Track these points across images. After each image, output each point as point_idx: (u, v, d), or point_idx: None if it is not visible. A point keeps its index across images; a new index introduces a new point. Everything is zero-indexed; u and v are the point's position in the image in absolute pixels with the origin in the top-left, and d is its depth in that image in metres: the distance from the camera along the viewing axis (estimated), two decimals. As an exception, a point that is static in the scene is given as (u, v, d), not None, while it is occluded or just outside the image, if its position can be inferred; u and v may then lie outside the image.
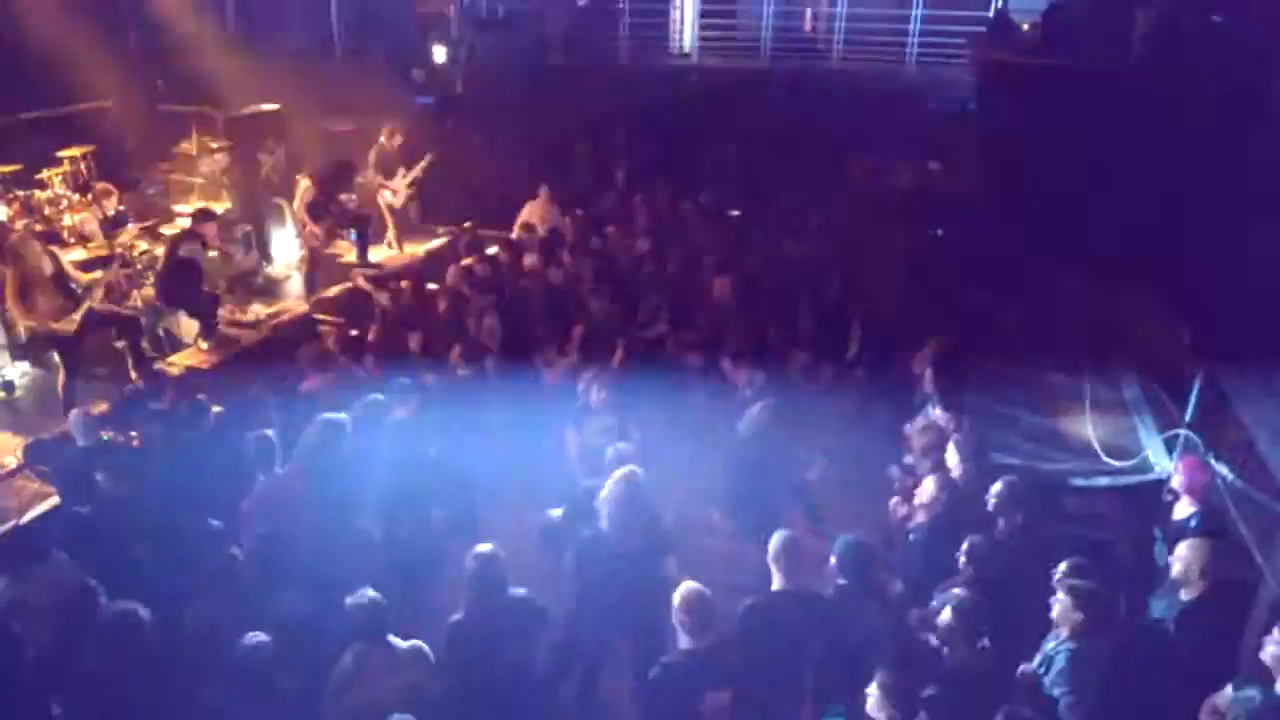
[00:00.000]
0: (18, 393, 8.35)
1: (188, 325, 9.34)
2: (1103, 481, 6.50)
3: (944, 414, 7.15)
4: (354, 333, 9.21)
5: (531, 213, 11.80)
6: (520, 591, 5.07)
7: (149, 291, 9.34)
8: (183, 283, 8.93)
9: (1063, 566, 5.15)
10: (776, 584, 5.05)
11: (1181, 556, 5.06)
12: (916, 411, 7.70)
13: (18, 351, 8.56)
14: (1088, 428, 7.65)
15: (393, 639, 4.76)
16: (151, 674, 4.61)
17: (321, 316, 10.13)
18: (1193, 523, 5.75)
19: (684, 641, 4.70)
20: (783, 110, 13.35)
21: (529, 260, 10.17)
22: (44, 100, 10.39)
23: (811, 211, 11.62)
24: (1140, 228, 9.84)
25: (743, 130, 13.42)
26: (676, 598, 4.68)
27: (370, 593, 4.73)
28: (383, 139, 11.57)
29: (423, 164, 11.82)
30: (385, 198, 11.76)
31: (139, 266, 9.51)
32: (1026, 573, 5.35)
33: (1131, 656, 4.90)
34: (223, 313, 9.63)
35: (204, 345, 9.10)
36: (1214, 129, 9.98)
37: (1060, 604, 4.87)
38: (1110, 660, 4.78)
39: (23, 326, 8.18)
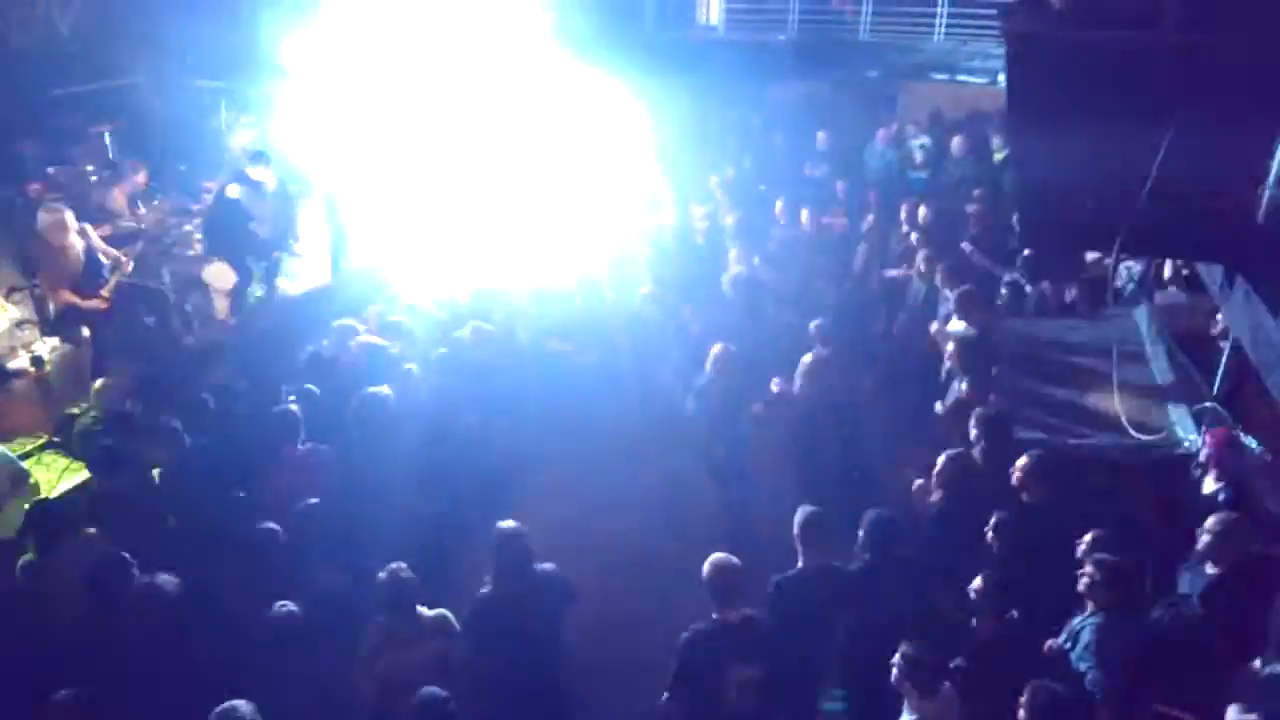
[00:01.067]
0: (47, 367, 8.45)
1: (219, 300, 9.41)
2: (1130, 456, 6.40)
3: (969, 388, 7.10)
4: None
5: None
6: (547, 566, 5.11)
7: (177, 267, 9.42)
8: (226, 228, 9.01)
9: (1088, 541, 5.12)
10: (802, 560, 5.06)
11: (1209, 530, 5.01)
12: (945, 388, 7.67)
13: (48, 327, 8.66)
14: (1115, 402, 7.57)
15: (421, 610, 4.81)
16: (181, 646, 4.67)
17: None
18: (1220, 497, 5.69)
19: (714, 611, 4.72)
20: (810, 83, 13.20)
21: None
22: (73, 77, 10.42)
23: (841, 183, 11.54)
24: (1173, 200, 9.66)
25: (770, 103, 13.30)
26: (708, 566, 4.70)
27: (398, 566, 4.77)
28: None
29: None
30: None
31: (167, 242, 9.59)
32: (1053, 547, 5.32)
33: (1158, 632, 4.87)
34: (253, 289, 9.71)
35: (229, 321, 9.19)
36: (1249, 99, 9.78)
37: (1087, 578, 4.84)
38: (1136, 635, 4.75)
39: (53, 302, 8.28)
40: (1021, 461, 5.77)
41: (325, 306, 9.64)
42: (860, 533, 5.22)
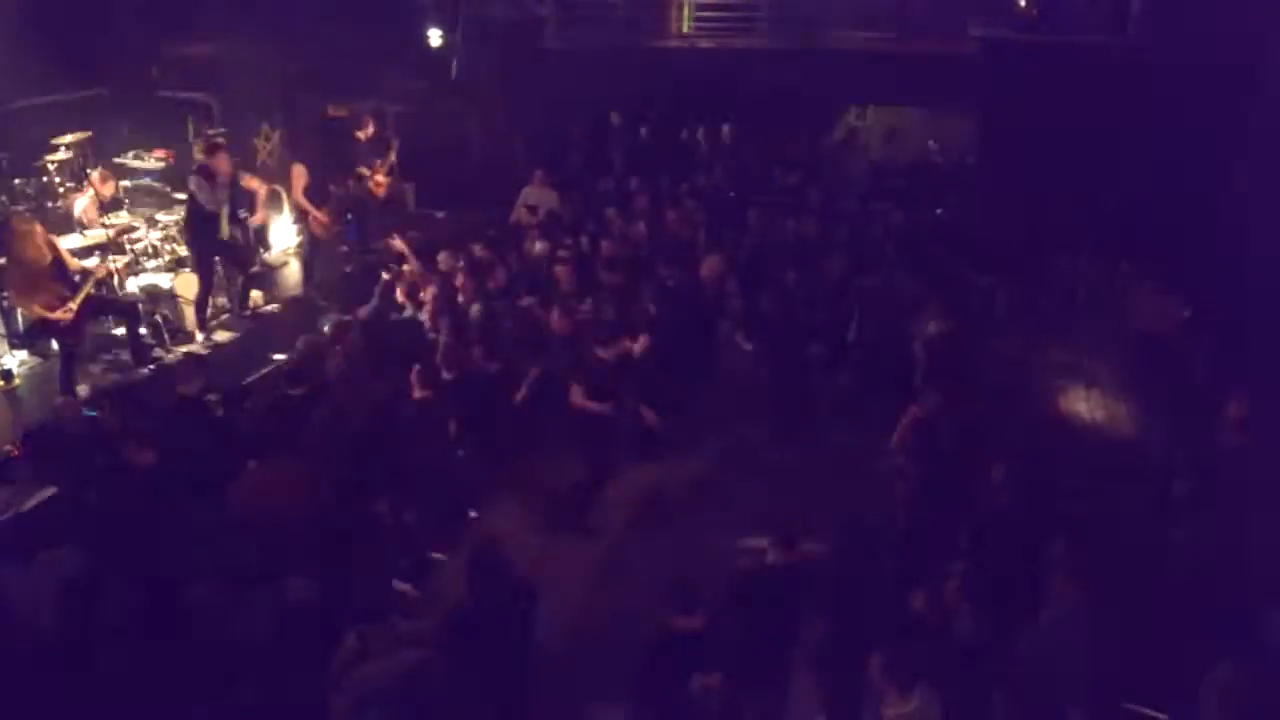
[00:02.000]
0: (16, 381, 8.34)
1: (188, 311, 9.33)
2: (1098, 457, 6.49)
3: (936, 395, 7.14)
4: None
5: (530, 196, 11.77)
6: (520, 573, 5.10)
7: (146, 279, 9.33)
8: (192, 228, 8.93)
9: (1060, 540, 5.17)
10: (772, 556, 5.07)
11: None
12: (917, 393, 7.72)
13: (16, 339, 8.55)
14: (1084, 404, 7.68)
15: (396, 619, 4.79)
16: (152, 658, 4.63)
17: (319, 301, 10.13)
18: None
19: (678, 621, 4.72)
20: (779, 89, 13.28)
21: (536, 246, 10.11)
22: (40, 88, 10.33)
23: (811, 190, 11.61)
24: (1138, 202, 9.85)
25: (740, 110, 13.38)
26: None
27: (375, 575, 4.75)
28: (358, 133, 11.48)
29: (391, 152, 11.72)
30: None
31: (136, 253, 9.49)
32: (1026, 546, 5.37)
33: (1134, 625, 4.92)
34: (221, 300, 9.64)
35: (198, 334, 9.12)
36: (1212, 100, 9.97)
37: (1059, 577, 4.89)
38: (1112, 630, 4.80)
39: (21, 314, 8.17)
40: (995, 466, 5.82)
41: (296, 317, 9.61)
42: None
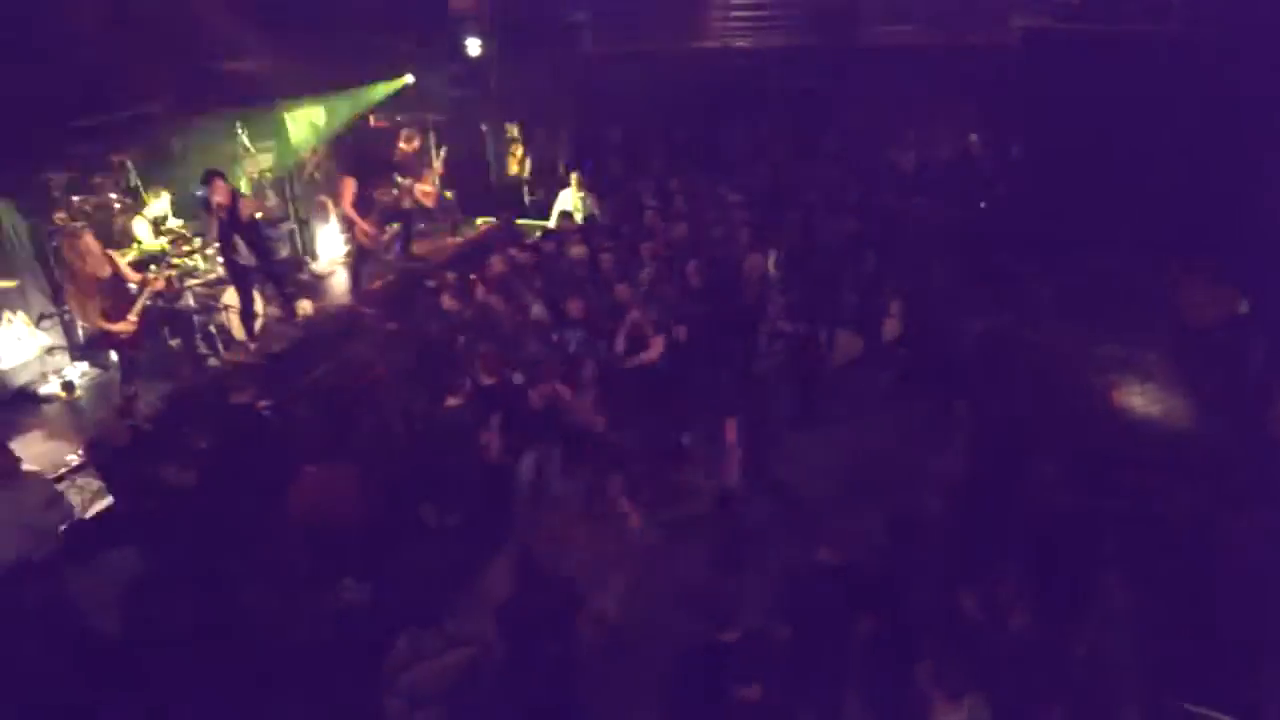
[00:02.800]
0: (78, 392, 8.58)
1: (237, 321, 9.52)
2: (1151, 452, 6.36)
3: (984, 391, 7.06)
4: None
5: (565, 200, 11.84)
6: (564, 574, 5.13)
7: (198, 290, 9.54)
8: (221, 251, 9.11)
9: (1112, 541, 5.08)
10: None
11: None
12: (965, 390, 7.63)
13: (77, 352, 8.79)
14: (1137, 398, 7.53)
15: (446, 620, 4.84)
16: (209, 656, 4.72)
17: (366, 310, 10.26)
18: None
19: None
20: (815, 87, 13.21)
21: (576, 249, 10.17)
22: (93, 106, 10.58)
23: (850, 188, 11.52)
24: (1186, 193, 9.62)
25: (777, 108, 13.32)
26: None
27: (423, 577, 4.81)
28: (401, 144, 11.65)
29: (440, 158, 11.90)
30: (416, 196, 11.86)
31: (189, 266, 9.70)
32: (1080, 544, 5.28)
33: (1192, 623, 4.82)
34: (272, 309, 9.81)
35: (250, 344, 9.29)
36: (1259, 89, 9.72)
37: (1109, 578, 4.81)
38: (1169, 629, 4.71)
39: (82, 327, 8.39)
40: (1045, 462, 5.73)
41: (344, 325, 9.75)
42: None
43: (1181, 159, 10.20)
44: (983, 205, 11.45)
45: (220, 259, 9.36)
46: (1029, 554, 5.30)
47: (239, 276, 9.28)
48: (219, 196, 8.77)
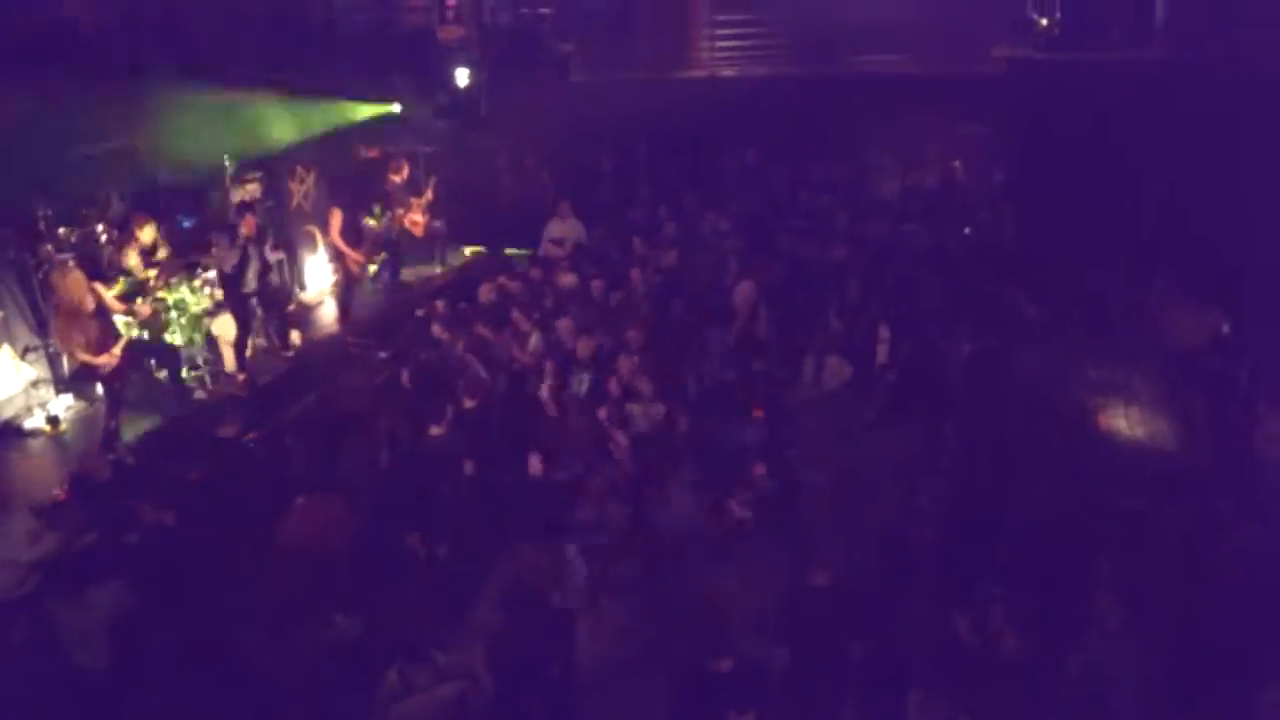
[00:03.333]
0: (63, 426, 8.52)
1: (227, 353, 9.49)
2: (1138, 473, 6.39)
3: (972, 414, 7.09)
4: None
5: (555, 229, 11.89)
6: (557, 603, 5.11)
7: (187, 322, 9.51)
8: (223, 278, 9.21)
9: (1106, 560, 5.09)
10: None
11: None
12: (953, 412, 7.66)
13: (62, 385, 8.74)
14: (1123, 420, 7.57)
15: (436, 653, 4.81)
16: (198, 692, 4.68)
17: (355, 339, 10.26)
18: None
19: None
20: (803, 115, 13.35)
21: (565, 278, 10.19)
22: (83, 138, 10.61)
23: (838, 215, 11.60)
24: (1169, 216, 9.74)
25: (765, 137, 13.44)
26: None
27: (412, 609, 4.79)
28: (391, 174, 11.71)
29: (429, 189, 11.98)
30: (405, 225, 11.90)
31: (175, 298, 9.67)
32: (1071, 565, 5.29)
33: (1183, 643, 4.82)
34: (259, 341, 9.79)
35: (238, 375, 9.28)
36: (1240, 111, 9.87)
37: (1104, 598, 4.80)
38: (1161, 649, 4.71)
39: (67, 360, 8.35)
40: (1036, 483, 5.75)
41: (333, 356, 9.74)
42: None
43: (1165, 183, 10.34)
44: (967, 231, 11.54)
45: (220, 288, 9.40)
46: (1020, 575, 5.31)
47: (240, 306, 9.30)
48: (247, 229, 9.19)
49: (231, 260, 9.12)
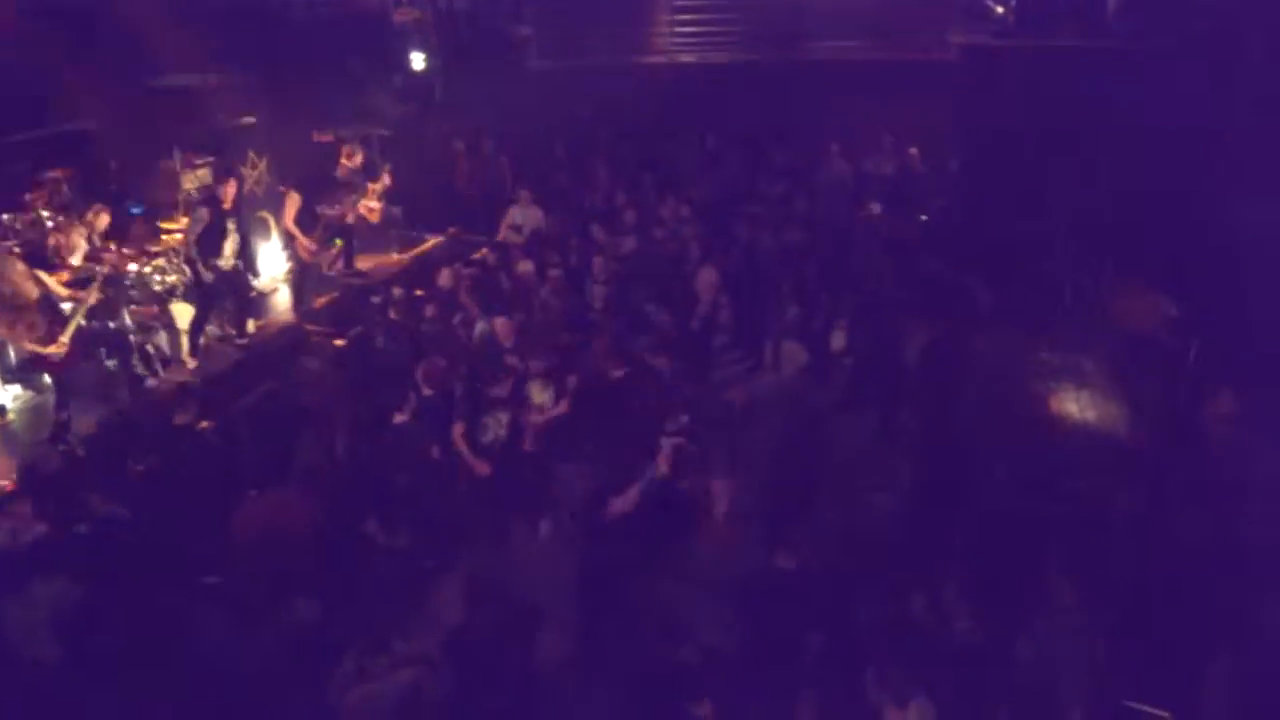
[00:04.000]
0: (10, 416, 8.34)
1: (182, 340, 9.34)
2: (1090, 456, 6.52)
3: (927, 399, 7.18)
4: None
5: (514, 215, 11.81)
6: (520, 595, 5.10)
7: (136, 309, 9.33)
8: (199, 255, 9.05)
9: (1055, 542, 5.18)
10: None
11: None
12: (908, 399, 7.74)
13: (9, 375, 8.54)
14: (1075, 404, 7.70)
15: (396, 641, 4.78)
16: (150, 683, 4.63)
17: (311, 327, 10.13)
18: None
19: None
20: (761, 101, 13.38)
21: (522, 265, 10.12)
22: (24, 123, 10.36)
23: (796, 200, 11.64)
24: (1123, 202, 9.91)
25: (723, 123, 13.45)
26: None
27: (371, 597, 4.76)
28: (344, 159, 11.54)
29: (385, 174, 11.85)
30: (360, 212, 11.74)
31: (126, 284, 9.49)
32: (1022, 547, 5.38)
33: (1132, 623, 4.93)
34: (212, 329, 9.64)
35: (191, 362, 9.14)
36: (1192, 98, 10.07)
37: (1055, 579, 4.89)
38: (1110, 628, 4.81)
39: (13, 350, 8.16)
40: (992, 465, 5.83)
41: (287, 343, 9.62)
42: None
43: (1116, 169, 10.51)
44: (924, 217, 11.66)
45: (188, 268, 9.22)
46: (975, 557, 5.40)
47: (206, 288, 9.16)
48: (227, 197, 9.11)
49: (197, 227, 8.95)
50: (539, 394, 7.24)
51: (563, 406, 7.21)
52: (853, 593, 5.17)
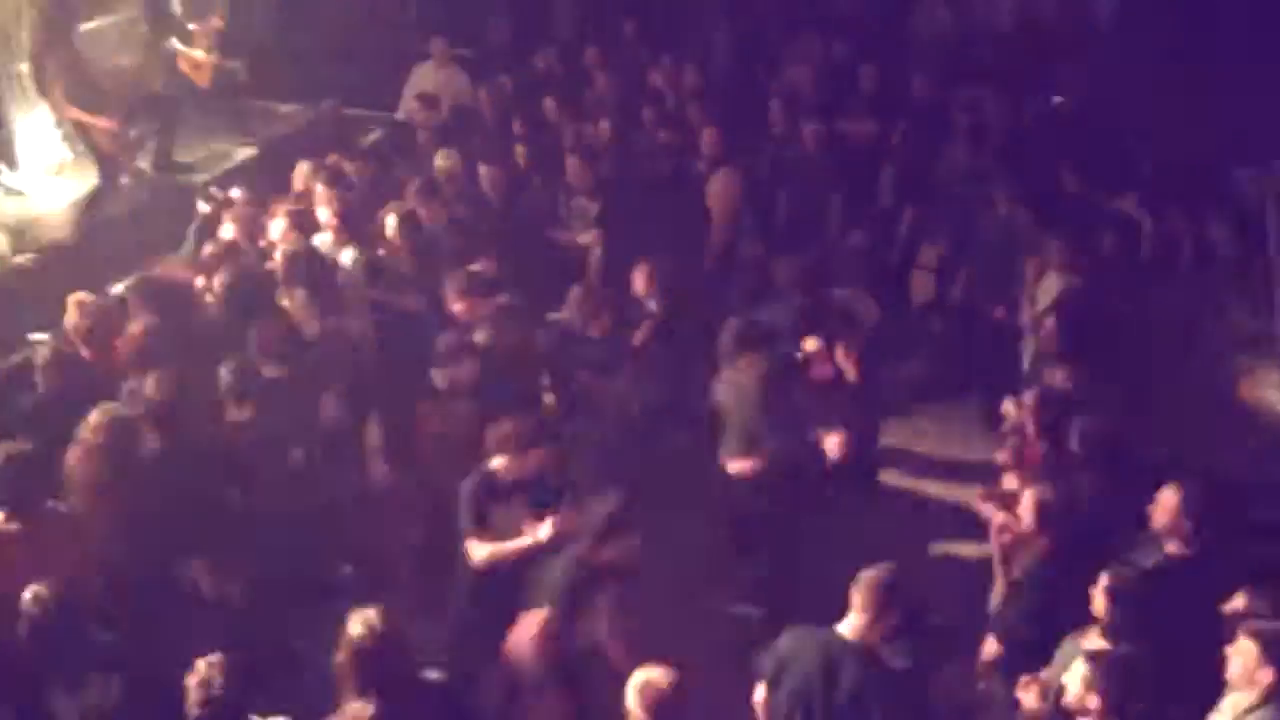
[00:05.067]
0: None
1: None
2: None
3: (1065, 378, 7.18)
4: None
5: (425, 81, 11.74)
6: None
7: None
8: None
9: (1240, 600, 5.21)
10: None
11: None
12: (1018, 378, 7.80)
13: None
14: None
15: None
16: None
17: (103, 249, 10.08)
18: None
19: None
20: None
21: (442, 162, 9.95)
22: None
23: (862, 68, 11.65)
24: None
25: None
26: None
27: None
28: None
29: (215, 19, 11.80)
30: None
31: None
32: (1197, 615, 5.40)
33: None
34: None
35: None
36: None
37: (1240, 655, 4.91)
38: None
39: None
40: (1163, 493, 5.84)
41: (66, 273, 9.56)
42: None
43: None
44: (1057, 100, 11.88)
45: None
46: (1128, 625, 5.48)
47: None
48: None
49: None
50: None
51: None
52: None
